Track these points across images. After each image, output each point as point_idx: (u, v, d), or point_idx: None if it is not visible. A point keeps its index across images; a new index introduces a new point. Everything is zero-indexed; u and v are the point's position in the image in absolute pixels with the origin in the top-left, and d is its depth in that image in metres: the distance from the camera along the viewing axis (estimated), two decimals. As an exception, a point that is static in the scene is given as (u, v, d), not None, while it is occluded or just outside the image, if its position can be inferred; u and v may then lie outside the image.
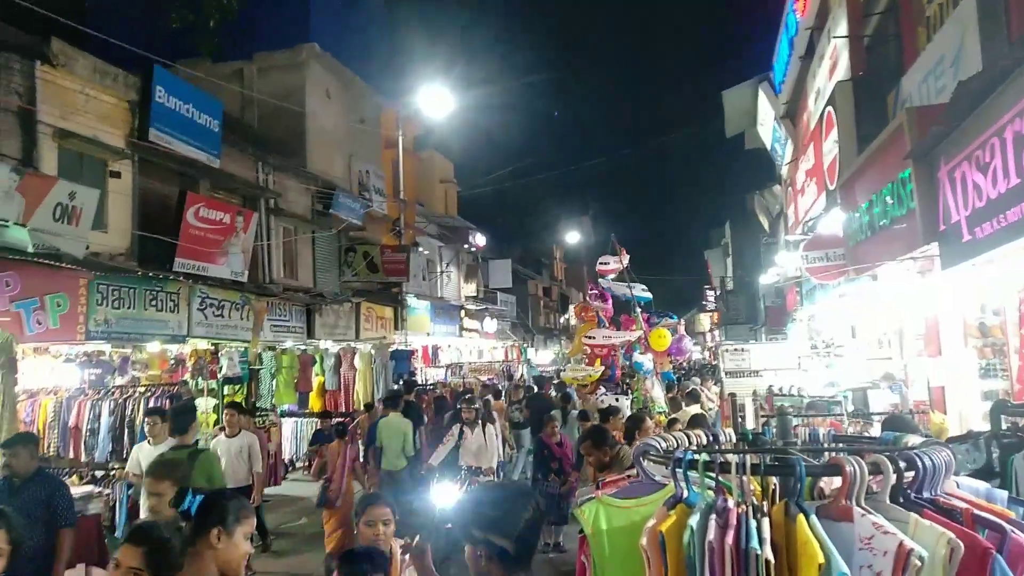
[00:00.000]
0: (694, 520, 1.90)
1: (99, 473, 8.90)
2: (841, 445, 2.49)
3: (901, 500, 1.90)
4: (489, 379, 21.49)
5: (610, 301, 15.99)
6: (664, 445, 2.42)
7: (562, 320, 48.43)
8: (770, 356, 12.32)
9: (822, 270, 9.00)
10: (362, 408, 14.33)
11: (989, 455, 3.17)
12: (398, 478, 9.86)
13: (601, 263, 15.83)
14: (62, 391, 10.21)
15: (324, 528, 8.31)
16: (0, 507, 3.86)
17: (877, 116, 8.02)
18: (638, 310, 15.28)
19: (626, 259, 15.53)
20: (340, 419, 10.65)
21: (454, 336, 27.91)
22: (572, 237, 47.06)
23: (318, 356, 16.19)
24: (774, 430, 2.59)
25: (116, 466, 9.02)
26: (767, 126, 16.03)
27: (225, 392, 13.00)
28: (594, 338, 14.94)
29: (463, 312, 29.27)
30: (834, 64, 9.53)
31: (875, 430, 6.00)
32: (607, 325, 15.73)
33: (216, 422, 11.26)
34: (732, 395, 9.21)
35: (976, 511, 1.85)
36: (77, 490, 7.32)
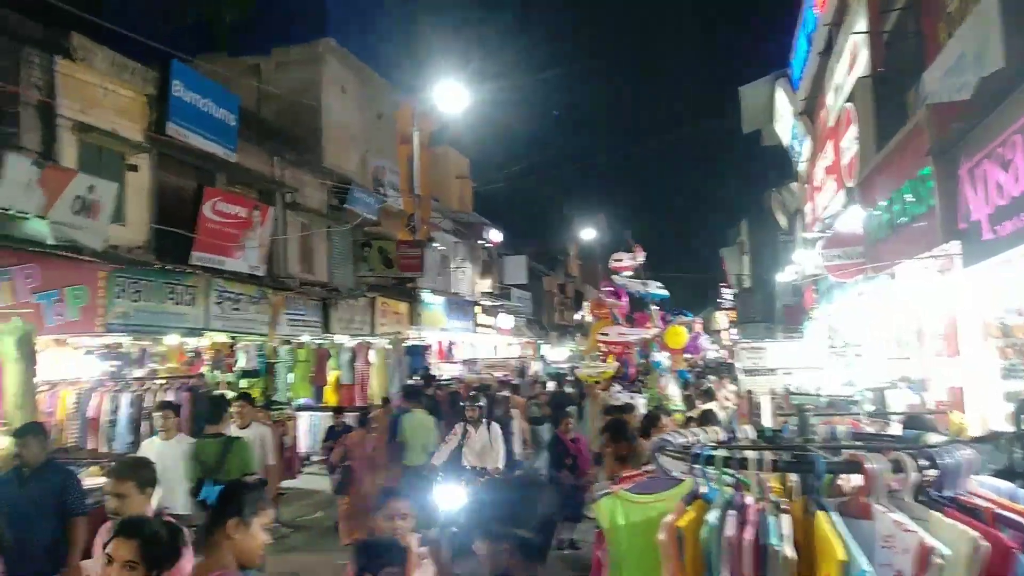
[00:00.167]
0: (712, 516, 1.90)
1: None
2: (860, 443, 2.47)
3: (922, 498, 1.88)
4: (505, 375, 21.52)
5: (625, 298, 15.97)
6: (681, 441, 2.41)
7: (576, 317, 48.37)
8: (787, 354, 12.27)
9: (840, 268, 8.93)
10: (378, 402, 14.38)
11: (1011, 455, 3.14)
12: (420, 474, 9.80)
13: (615, 260, 15.81)
14: (82, 383, 10.31)
15: (340, 520, 8.36)
16: None
17: (896, 113, 7.95)
18: (655, 307, 15.25)
19: (642, 256, 15.50)
20: (359, 412, 10.68)
21: (468, 332, 27.95)
22: (587, 234, 46.95)
23: (333, 351, 16.27)
24: (792, 428, 2.58)
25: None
26: (785, 123, 15.93)
27: (243, 385, 13.09)
28: (608, 335, 14.94)
29: (477, 308, 29.30)
30: (853, 60, 9.45)
31: (893, 430, 5.95)
32: (621, 322, 15.72)
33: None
34: (749, 392, 9.17)
35: (998, 510, 1.83)
36: (96, 481, 7.39)
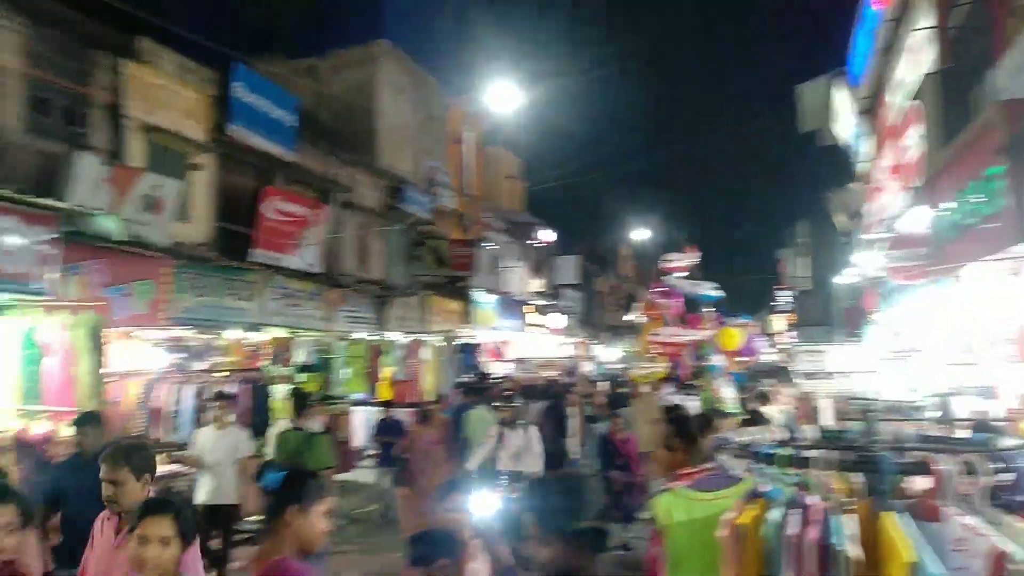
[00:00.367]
0: (775, 514, 1.88)
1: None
2: (929, 445, 2.41)
3: (995, 502, 1.83)
4: (558, 374, 21.50)
5: (677, 299, 15.79)
6: (742, 440, 2.39)
7: (626, 318, 48.01)
8: (846, 358, 11.98)
9: (904, 270, 8.68)
10: (433, 399, 14.49)
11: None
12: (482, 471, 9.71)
13: (666, 260, 15.64)
14: (148, 374, 10.64)
15: (399, 512, 8.48)
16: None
17: (964, 110, 7.70)
18: (711, 309, 15.04)
19: (696, 257, 15.31)
20: (415, 408, 10.80)
21: (519, 331, 27.99)
22: (640, 234, 46.52)
23: (387, 348, 16.46)
24: (857, 430, 2.52)
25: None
26: (845, 121, 15.55)
27: (301, 379, 13.34)
28: (659, 336, 14.80)
29: (530, 307, 29.31)
30: (918, 57, 9.18)
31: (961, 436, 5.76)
32: (672, 323, 15.55)
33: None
34: (808, 395, 8.99)
35: (1077, 516, 1.77)
36: (162, 469, 7.63)
